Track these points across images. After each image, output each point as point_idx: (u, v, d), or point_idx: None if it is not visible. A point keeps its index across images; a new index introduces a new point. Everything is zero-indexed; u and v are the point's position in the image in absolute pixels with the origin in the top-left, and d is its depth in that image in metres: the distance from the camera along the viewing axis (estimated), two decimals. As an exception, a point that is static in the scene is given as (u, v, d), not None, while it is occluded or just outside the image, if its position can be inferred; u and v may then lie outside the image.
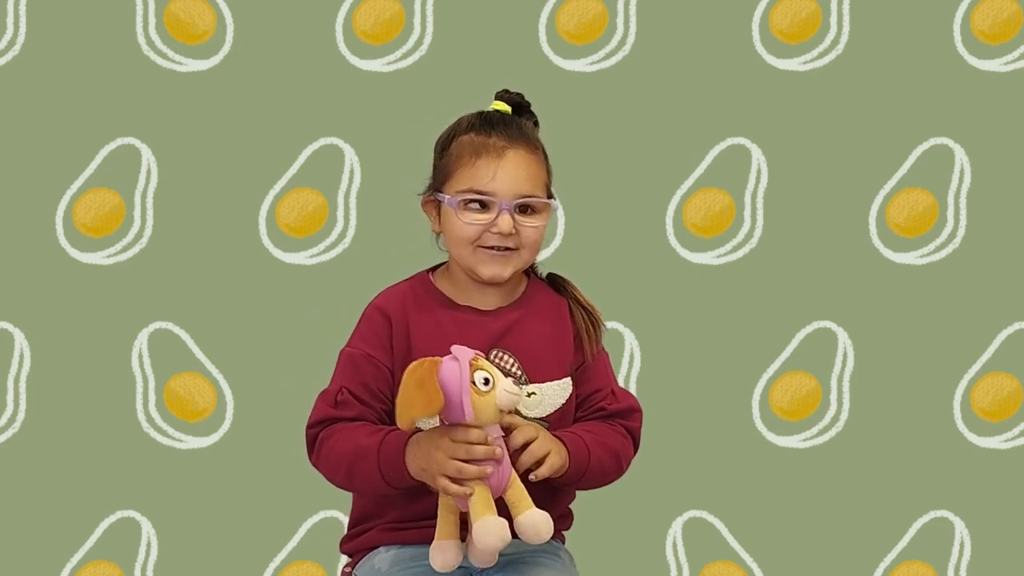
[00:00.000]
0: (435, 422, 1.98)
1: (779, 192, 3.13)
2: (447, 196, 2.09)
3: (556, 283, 2.20)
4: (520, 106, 2.16)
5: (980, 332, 3.14)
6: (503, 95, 2.17)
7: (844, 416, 3.13)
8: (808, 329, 3.14)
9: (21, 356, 3.10)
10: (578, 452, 2.06)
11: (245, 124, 3.10)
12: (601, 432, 2.12)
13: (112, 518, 3.10)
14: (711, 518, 3.13)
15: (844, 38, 3.11)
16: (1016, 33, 3.11)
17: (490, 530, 1.91)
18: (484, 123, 2.11)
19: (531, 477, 2.00)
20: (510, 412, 1.98)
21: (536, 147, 2.12)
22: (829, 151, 3.12)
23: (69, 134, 3.09)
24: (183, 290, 3.10)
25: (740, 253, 3.13)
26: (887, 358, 3.13)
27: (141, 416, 3.10)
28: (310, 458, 2.10)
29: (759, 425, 3.14)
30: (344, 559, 2.21)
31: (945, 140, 3.13)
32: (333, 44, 3.11)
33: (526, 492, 1.97)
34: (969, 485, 3.13)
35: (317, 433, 2.09)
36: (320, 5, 3.11)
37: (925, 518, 3.13)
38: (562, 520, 2.20)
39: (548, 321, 2.14)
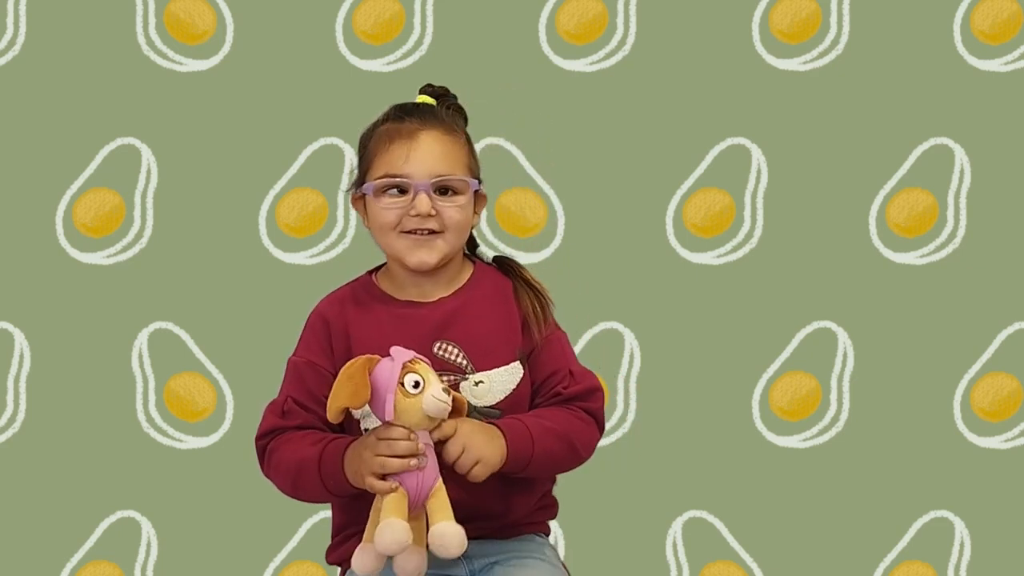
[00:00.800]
0: (377, 422, 1.97)
1: (779, 192, 3.13)
2: (366, 184, 2.08)
3: (503, 265, 2.15)
4: (443, 97, 2.14)
5: (980, 332, 3.14)
6: (426, 89, 2.16)
7: (844, 416, 3.13)
8: (808, 329, 3.14)
9: (21, 356, 3.10)
10: (519, 443, 2.00)
11: (245, 124, 3.10)
12: (552, 418, 2.06)
13: (112, 518, 3.10)
14: (711, 518, 3.13)
15: (844, 38, 3.11)
16: (1016, 33, 3.11)
17: (389, 531, 1.89)
18: (399, 111, 2.10)
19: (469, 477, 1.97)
20: (454, 415, 1.95)
21: (454, 130, 2.09)
22: (829, 151, 3.12)
23: (69, 134, 3.09)
24: (183, 290, 3.10)
25: (740, 253, 3.13)
26: (887, 358, 3.13)
27: (141, 416, 3.10)
28: (261, 469, 2.10)
29: (759, 425, 3.13)
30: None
31: (945, 140, 3.13)
32: (333, 44, 3.10)
33: (448, 504, 1.94)
34: (969, 485, 3.13)
35: (266, 444, 2.08)
36: (320, 5, 3.11)
37: (925, 518, 3.13)
38: (545, 511, 2.16)
39: (492, 306, 2.09)
